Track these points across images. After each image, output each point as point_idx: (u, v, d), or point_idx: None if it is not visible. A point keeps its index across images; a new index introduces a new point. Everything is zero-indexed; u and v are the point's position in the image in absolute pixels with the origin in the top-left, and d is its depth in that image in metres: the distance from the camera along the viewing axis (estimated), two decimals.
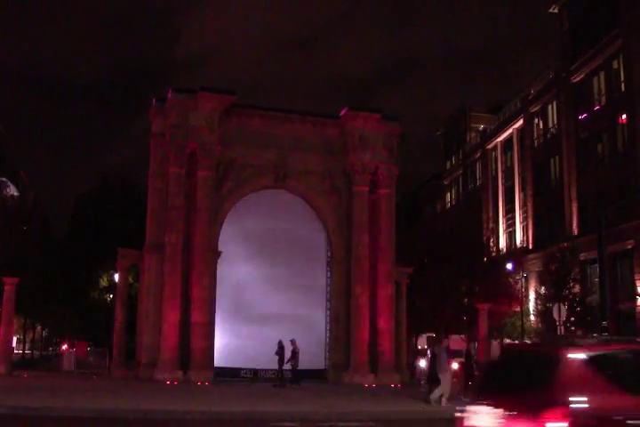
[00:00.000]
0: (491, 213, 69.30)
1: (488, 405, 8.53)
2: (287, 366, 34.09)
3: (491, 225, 67.00)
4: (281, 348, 34.04)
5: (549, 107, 59.45)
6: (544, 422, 7.62)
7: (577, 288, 47.49)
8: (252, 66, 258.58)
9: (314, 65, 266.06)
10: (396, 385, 35.66)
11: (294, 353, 34.17)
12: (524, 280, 52.83)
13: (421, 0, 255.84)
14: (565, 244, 49.68)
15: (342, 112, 39.60)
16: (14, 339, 58.47)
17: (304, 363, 38.55)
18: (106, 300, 53.39)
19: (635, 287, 44.74)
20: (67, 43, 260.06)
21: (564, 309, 38.34)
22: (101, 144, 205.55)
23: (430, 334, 66.33)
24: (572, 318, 44.95)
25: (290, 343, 34.10)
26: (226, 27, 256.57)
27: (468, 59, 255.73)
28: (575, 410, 7.63)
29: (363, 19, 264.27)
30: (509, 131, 67.15)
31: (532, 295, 53.88)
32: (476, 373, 27.72)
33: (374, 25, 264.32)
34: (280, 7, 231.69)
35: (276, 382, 33.64)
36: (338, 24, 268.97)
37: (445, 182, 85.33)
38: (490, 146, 71.51)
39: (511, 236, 65.44)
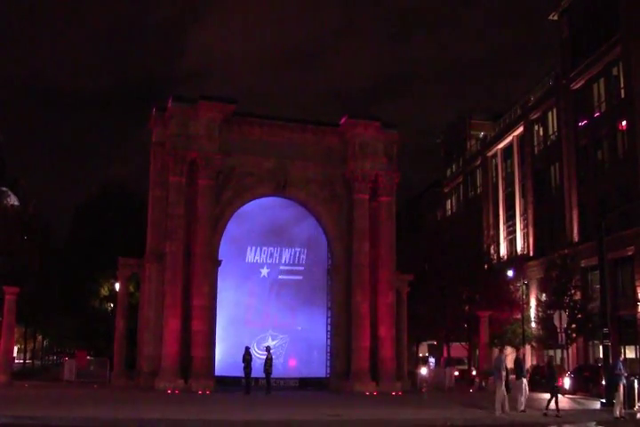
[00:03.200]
0: (491, 221, 69.30)
1: None
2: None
3: (491, 232, 67.00)
4: (248, 354, 34.23)
5: (549, 114, 59.54)
6: None
7: (578, 295, 47.46)
8: (255, 79, 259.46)
9: (314, 77, 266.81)
10: (397, 393, 35.61)
11: (267, 360, 34.31)
12: (524, 287, 52.78)
13: (420, 11, 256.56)
14: (566, 251, 49.66)
15: (342, 120, 39.63)
16: (15, 348, 58.40)
17: (305, 371, 38.67)
18: (106, 309, 53.27)
19: (636, 294, 44.71)
20: (72, 54, 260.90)
21: (564, 316, 38.33)
22: (103, 155, 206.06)
23: (431, 342, 66.38)
24: (573, 325, 44.93)
25: (264, 350, 34.94)
26: (229, 40, 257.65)
27: (468, 67, 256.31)
28: None
29: (363, 32, 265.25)
30: (509, 138, 67.22)
31: (532, 302, 53.83)
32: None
33: (374, 37, 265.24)
34: (282, 21, 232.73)
35: (245, 388, 33.62)
36: (338, 37, 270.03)
37: (446, 190, 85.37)
38: (490, 153, 71.57)
39: (512, 243, 65.43)
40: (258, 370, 34.73)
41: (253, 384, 34.56)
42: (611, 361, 29.88)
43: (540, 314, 49.15)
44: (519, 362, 27.70)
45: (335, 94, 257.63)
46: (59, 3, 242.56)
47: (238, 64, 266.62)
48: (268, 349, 35.17)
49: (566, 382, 38.25)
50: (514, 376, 28.06)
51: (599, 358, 40.97)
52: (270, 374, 34.42)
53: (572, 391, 37.81)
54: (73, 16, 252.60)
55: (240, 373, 34.35)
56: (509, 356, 28.91)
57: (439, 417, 23.92)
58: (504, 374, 25.55)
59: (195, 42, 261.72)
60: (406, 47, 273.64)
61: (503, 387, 25.45)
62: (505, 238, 66.84)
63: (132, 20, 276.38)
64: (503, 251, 64.56)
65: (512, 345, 54.06)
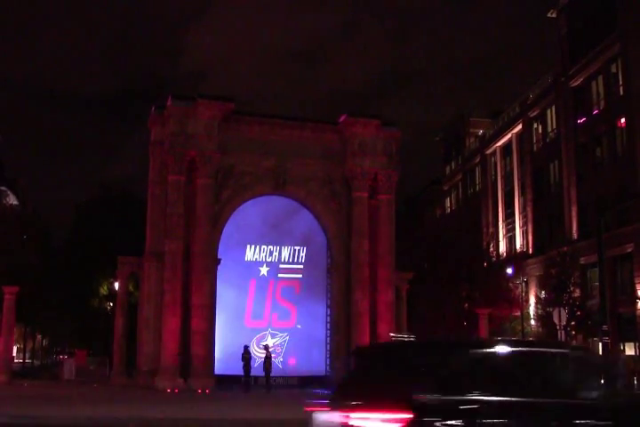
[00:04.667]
0: (490, 218, 69.26)
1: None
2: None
3: (490, 230, 66.97)
4: (247, 353, 34.28)
5: (548, 111, 59.48)
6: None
7: (577, 292, 47.43)
8: (255, 78, 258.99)
9: (315, 76, 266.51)
10: None
11: (267, 359, 34.31)
12: (524, 285, 52.72)
13: (420, 10, 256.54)
14: (565, 248, 49.63)
15: (341, 118, 39.61)
16: (14, 348, 58.40)
17: (305, 369, 38.64)
18: (106, 308, 53.30)
19: (635, 291, 44.68)
20: (71, 54, 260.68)
21: (564, 313, 38.25)
22: (103, 154, 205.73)
23: None
24: (573, 323, 44.89)
25: (263, 348, 35.06)
26: (229, 40, 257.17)
27: (467, 64, 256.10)
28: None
29: (363, 31, 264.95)
30: (508, 136, 67.14)
31: (532, 300, 53.81)
32: None
33: (374, 37, 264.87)
34: (282, 20, 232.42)
35: (243, 387, 33.65)
36: (338, 36, 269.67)
37: (445, 187, 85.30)
38: (489, 151, 71.50)
39: (511, 240, 65.38)
40: (257, 369, 34.77)
41: (253, 383, 34.59)
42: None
43: (540, 311, 49.12)
44: None
45: (335, 93, 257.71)
46: (58, 3, 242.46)
47: (239, 64, 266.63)
48: (266, 347, 35.22)
49: None
50: None
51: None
52: (270, 372, 34.44)
53: None
54: (72, 16, 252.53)
55: (239, 371, 34.35)
56: None
57: None
58: None
59: (195, 42, 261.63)
60: (405, 46, 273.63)
61: None
62: (504, 236, 66.79)
63: (132, 20, 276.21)
64: (502, 248, 64.49)
65: None
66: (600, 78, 51.88)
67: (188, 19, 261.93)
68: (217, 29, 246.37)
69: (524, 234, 62.13)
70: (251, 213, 38.53)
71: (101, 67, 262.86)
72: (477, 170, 75.21)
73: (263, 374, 34.60)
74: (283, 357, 38.44)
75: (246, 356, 34.24)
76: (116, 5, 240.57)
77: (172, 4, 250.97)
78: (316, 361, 38.98)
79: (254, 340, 37.46)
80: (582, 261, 49.51)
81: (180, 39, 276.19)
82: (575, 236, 52.48)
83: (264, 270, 38.82)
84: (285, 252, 39.33)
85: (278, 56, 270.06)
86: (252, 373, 34.50)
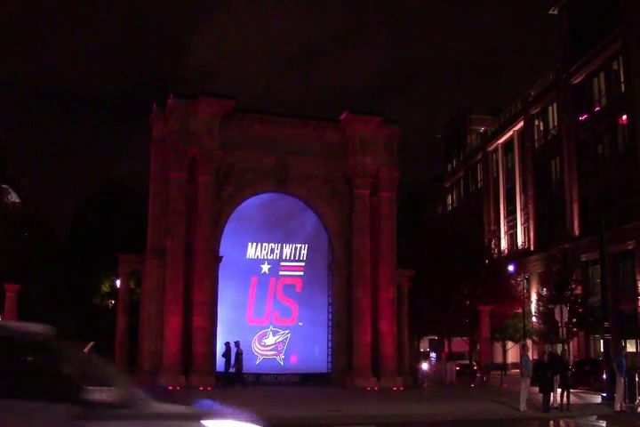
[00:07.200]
0: (492, 215, 69.34)
1: None
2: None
3: (492, 227, 67.03)
4: (228, 349, 34.37)
5: (550, 108, 59.53)
6: None
7: (579, 289, 47.50)
8: (259, 78, 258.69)
9: (318, 76, 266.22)
10: (398, 388, 35.63)
11: (237, 355, 34.32)
12: (525, 282, 52.85)
13: (421, 8, 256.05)
14: (567, 245, 49.70)
15: (343, 116, 39.55)
16: None
17: (307, 367, 38.67)
18: (107, 306, 53.38)
19: (636, 288, 44.75)
20: (75, 54, 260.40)
21: (565, 310, 38.28)
22: (105, 153, 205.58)
23: (433, 337, 66.39)
24: (574, 320, 44.94)
25: (234, 345, 34.83)
26: (234, 41, 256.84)
27: (469, 62, 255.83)
28: None
29: (366, 31, 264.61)
30: (510, 133, 67.21)
31: (533, 297, 53.89)
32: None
33: (377, 37, 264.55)
34: (285, 21, 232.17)
35: (224, 383, 33.80)
36: (340, 37, 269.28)
37: (446, 185, 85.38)
38: (490, 148, 71.56)
39: (512, 237, 65.46)
40: (251, 365, 34.97)
41: (249, 379, 34.87)
42: (612, 355, 29.85)
43: (541, 308, 49.22)
44: (553, 358, 27.02)
45: (337, 93, 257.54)
46: (62, 2, 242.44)
47: (243, 64, 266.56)
48: (237, 344, 34.96)
49: None
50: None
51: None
52: (241, 369, 34.45)
53: (574, 385, 37.78)
54: (78, 16, 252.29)
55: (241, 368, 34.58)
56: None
57: (441, 411, 23.95)
58: (528, 370, 25.34)
59: (200, 42, 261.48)
60: (408, 45, 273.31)
61: (527, 384, 25.29)
62: (506, 233, 66.86)
63: (138, 21, 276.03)
64: (504, 245, 64.57)
65: (513, 340, 54.13)
66: (601, 75, 51.95)
67: (193, 20, 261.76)
68: (222, 30, 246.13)
69: (526, 231, 62.21)
70: (252, 210, 38.50)
71: (105, 66, 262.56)
72: (479, 167, 75.31)
73: (250, 370, 34.70)
74: (284, 354, 38.43)
75: (227, 354, 34.41)
76: (120, 6, 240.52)
77: (178, 5, 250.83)
78: (317, 359, 38.98)
79: (256, 337, 37.48)
80: (584, 258, 49.58)
81: (186, 40, 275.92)
82: (577, 233, 52.54)
83: (265, 268, 38.80)
84: (287, 249, 39.30)
85: (282, 56, 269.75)
86: (247, 369, 34.63)
